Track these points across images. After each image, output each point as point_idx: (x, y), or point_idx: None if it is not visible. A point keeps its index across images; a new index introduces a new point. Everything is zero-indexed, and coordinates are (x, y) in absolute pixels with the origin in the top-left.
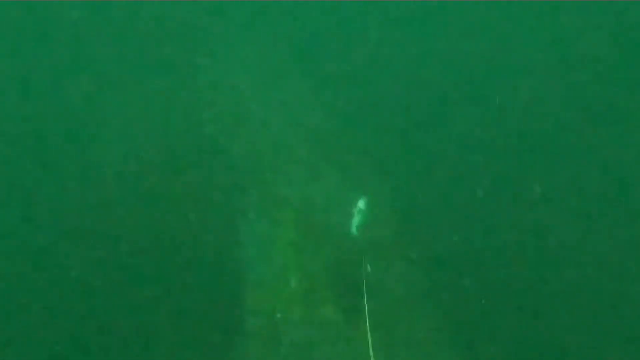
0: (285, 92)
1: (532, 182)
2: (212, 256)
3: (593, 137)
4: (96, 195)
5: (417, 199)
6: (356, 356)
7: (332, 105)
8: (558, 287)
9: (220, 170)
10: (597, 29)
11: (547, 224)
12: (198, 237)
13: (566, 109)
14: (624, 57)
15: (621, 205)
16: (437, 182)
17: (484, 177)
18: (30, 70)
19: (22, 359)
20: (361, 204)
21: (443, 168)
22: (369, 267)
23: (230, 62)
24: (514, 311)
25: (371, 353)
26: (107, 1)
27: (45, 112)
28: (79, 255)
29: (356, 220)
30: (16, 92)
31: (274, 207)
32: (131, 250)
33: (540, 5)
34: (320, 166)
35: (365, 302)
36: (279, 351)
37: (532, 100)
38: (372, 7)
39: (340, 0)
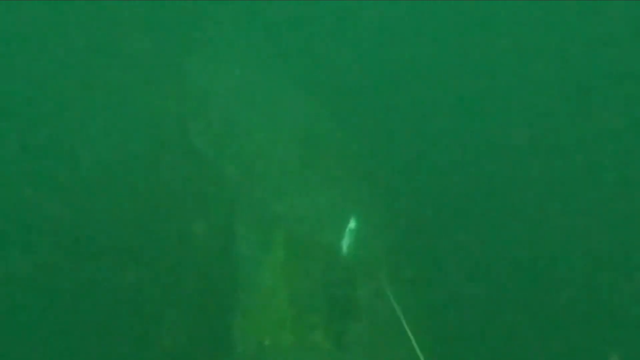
0: (276, 103)
1: (531, 201)
2: (200, 279)
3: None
4: (82, 207)
5: (411, 218)
6: None
7: (325, 118)
8: (555, 308)
9: (209, 185)
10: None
11: (544, 243)
12: (185, 256)
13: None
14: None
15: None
16: (431, 201)
17: (480, 197)
18: (16, 78)
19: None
20: (352, 223)
21: (439, 186)
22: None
23: (220, 71)
24: (507, 333)
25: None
26: (97, 8)
27: (29, 123)
28: (65, 268)
29: (347, 240)
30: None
31: (264, 225)
32: (113, 265)
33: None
34: (312, 181)
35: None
36: None
37: (538, 114)
38: (365, 12)
39: (334, 1)
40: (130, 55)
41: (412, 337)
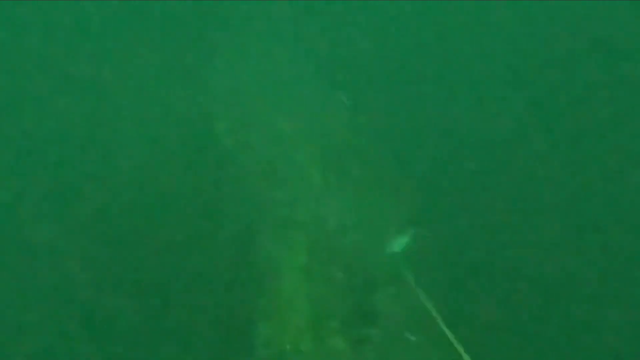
0: (303, 104)
1: (566, 210)
2: (221, 282)
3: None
4: (108, 201)
5: (437, 221)
6: None
7: (351, 121)
8: (586, 320)
9: (234, 186)
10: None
11: (578, 254)
12: (207, 258)
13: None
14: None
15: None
16: (458, 204)
17: (515, 199)
18: (46, 75)
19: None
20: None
21: (466, 189)
22: None
23: (248, 70)
24: (532, 341)
25: None
26: (126, 6)
27: (58, 120)
28: (96, 259)
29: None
30: (35, 96)
31: (286, 229)
32: (137, 264)
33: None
34: (336, 185)
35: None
36: None
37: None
38: (395, 11)
39: (363, 1)
40: (163, 57)
41: (453, 339)
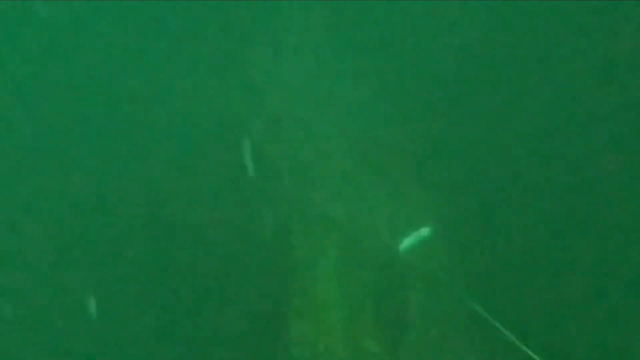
0: (336, 99)
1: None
2: (254, 281)
3: None
4: (139, 198)
5: (473, 226)
6: None
7: (386, 118)
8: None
9: (267, 184)
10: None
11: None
12: (240, 257)
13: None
14: None
15: None
16: (497, 204)
17: (558, 192)
18: (77, 66)
19: None
20: (423, 231)
21: (508, 188)
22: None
23: (282, 67)
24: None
25: None
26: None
27: (88, 109)
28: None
29: (410, 245)
30: (65, 89)
31: (319, 228)
32: (167, 262)
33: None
34: (371, 184)
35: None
36: None
37: None
38: (435, 7)
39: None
40: (196, 50)
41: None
